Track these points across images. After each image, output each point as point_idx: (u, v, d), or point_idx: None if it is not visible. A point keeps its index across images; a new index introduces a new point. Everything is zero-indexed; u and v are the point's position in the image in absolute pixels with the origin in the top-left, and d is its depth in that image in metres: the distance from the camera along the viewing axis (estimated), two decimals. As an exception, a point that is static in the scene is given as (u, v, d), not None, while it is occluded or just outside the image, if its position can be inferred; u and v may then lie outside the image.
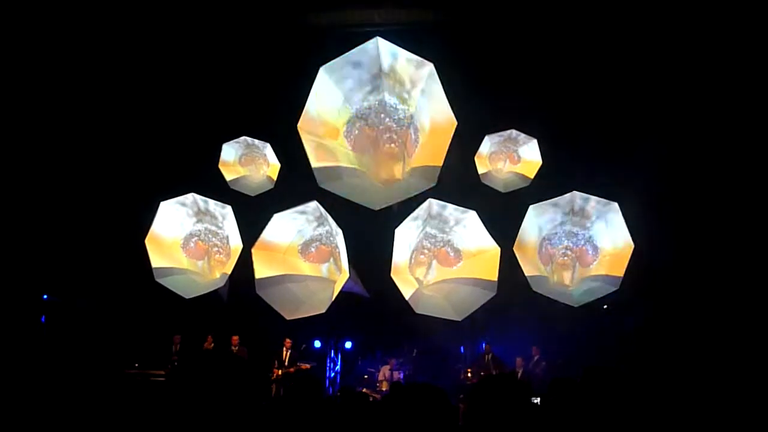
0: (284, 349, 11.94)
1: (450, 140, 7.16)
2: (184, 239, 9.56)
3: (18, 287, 10.69)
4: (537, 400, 4.52)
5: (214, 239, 9.69)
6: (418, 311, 9.03)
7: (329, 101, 7.22)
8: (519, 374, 11.81)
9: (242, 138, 9.79)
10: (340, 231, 8.77)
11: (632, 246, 8.66)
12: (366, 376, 13.21)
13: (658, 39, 8.80)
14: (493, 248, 8.98)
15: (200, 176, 9.85)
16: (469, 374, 12.15)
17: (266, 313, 9.34)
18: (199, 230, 9.62)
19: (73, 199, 10.70)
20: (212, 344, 11.76)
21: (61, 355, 10.49)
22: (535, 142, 9.65)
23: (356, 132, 7.25)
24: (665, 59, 8.95)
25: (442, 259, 9.34)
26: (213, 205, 9.41)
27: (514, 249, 8.91)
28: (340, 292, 9.01)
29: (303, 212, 9.09)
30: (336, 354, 13.34)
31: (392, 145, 7.36)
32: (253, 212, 9.67)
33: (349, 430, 3.21)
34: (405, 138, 7.40)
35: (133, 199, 10.31)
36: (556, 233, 9.23)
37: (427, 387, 2.69)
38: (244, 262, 9.20)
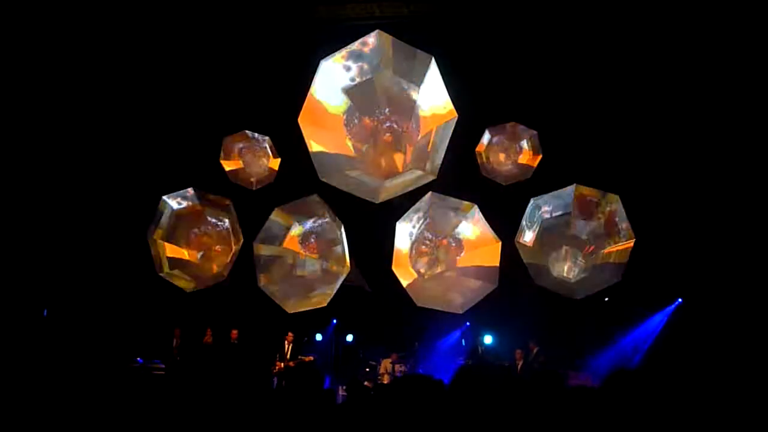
0: (286, 342, 11.99)
1: (451, 133, 7.15)
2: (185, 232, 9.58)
3: (19, 282, 10.71)
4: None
5: (215, 232, 9.70)
6: (419, 304, 9.05)
7: (329, 94, 7.20)
8: (519, 367, 11.83)
9: (243, 131, 9.79)
10: (341, 224, 8.78)
11: (634, 238, 8.65)
12: (368, 369, 13.25)
13: (660, 28, 8.78)
14: (494, 241, 8.99)
15: (200, 170, 9.85)
16: (470, 367, 12.16)
17: (267, 307, 9.37)
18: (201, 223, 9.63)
19: (74, 193, 10.71)
20: (211, 337, 11.80)
21: (63, 348, 10.52)
22: (536, 134, 9.63)
23: (356, 122, 7.22)
24: (667, 49, 8.93)
25: (444, 251, 9.34)
26: (213, 198, 9.42)
27: (516, 241, 8.91)
28: (342, 285, 9.02)
29: (304, 205, 9.10)
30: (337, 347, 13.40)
31: (392, 135, 7.34)
32: (254, 206, 9.68)
33: (351, 421, 3.22)
34: (406, 129, 7.38)
35: (133, 193, 10.32)
36: (557, 225, 9.21)
37: (425, 379, 2.70)
38: (245, 255, 9.22)
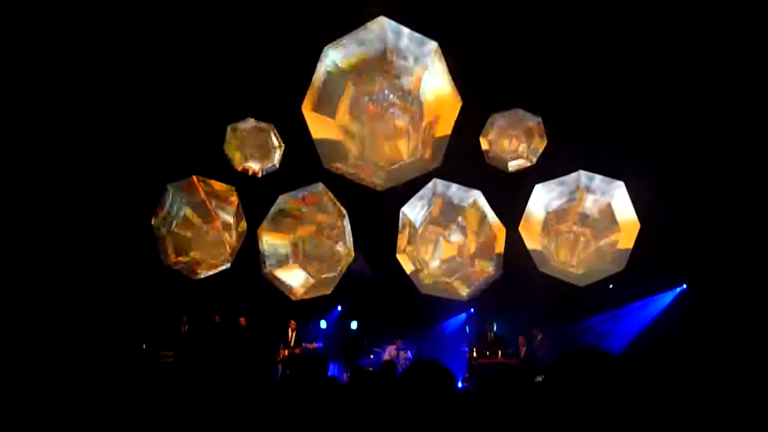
0: (290, 330, 12.03)
1: (455, 120, 7.13)
2: (190, 220, 9.61)
3: (24, 272, 10.75)
4: (540, 379, 4.55)
5: (219, 220, 9.73)
6: (423, 291, 9.07)
7: (333, 80, 7.18)
8: (522, 353, 11.89)
9: (247, 119, 9.76)
10: (345, 212, 8.79)
11: (638, 225, 8.63)
12: (372, 356, 13.31)
13: (665, 12, 8.71)
14: (498, 227, 8.99)
15: (204, 157, 9.85)
16: (475, 354, 12.22)
17: (271, 294, 9.41)
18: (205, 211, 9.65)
19: (78, 181, 10.72)
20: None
21: (69, 337, 10.57)
22: (540, 120, 9.59)
23: (360, 110, 7.21)
24: (672, 33, 8.86)
25: (448, 238, 9.36)
26: (217, 186, 9.44)
27: (520, 228, 8.90)
28: (346, 272, 9.05)
29: (308, 192, 9.11)
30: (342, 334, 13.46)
31: (397, 121, 7.33)
32: (258, 193, 9.68)
33: (357, 407, 3.24)
34: (410, 115, 7.37)
35: (138, 181, 10.33)
36: (562, 212, 9.20)
37: (432, 364, 2.70)
38: (250, 243, 9.25)
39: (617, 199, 8.83)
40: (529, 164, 9.69)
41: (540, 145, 9.58)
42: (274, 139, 9.86)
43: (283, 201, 9.14)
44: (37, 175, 10.39)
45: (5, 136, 9.70)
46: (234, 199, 9.41)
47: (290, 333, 12.00)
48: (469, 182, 9.02)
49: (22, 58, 9.21)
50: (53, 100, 9.87)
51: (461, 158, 8.91)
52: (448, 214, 9.27)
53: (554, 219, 9.15)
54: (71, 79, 9.68)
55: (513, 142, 9.91)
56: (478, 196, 8.92)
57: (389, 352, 12.99)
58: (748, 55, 8.72)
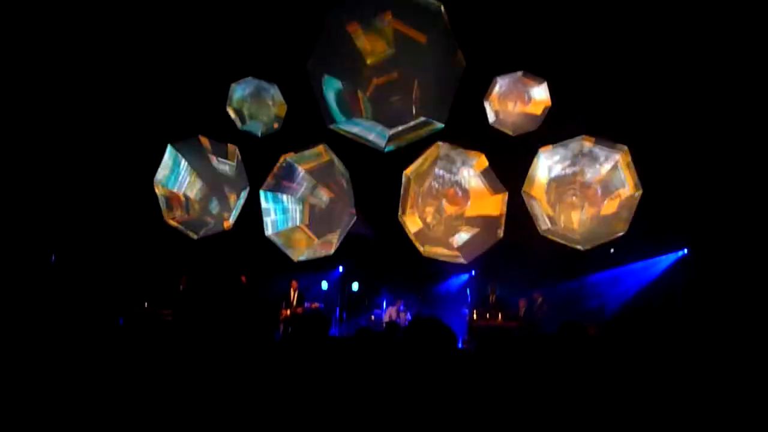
0: (291, 290, 12.11)
1: (459, 82, 7.08)
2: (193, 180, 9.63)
3: (27, 228, 10.78)
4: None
5: (221, 180, 9.73)
6: (424, 254, 9.10)
7: (338, 42, 7.12)
8: (522, 315, 12.00)
9: (249, 78, 9.68)
10: (347, 172, 8.77)
11: (641, 190, 8.62)
12: (372, 317, 13.42)
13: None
14: (500, 190, 8.99)
15: (207, 117, 9.80)
16: (475, 317, 12.30)
17: (273, 254, 9.44)
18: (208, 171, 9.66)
19: (81, 139, 10.68)
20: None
21: (69, 295, 10.65)
22: (545, 83, 9.49)
23: (365, 71, 7.17)
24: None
25: (450, 200, 9.35)
26: (220, 146, 9.42)
27: (523, 191, 8.89)
28: (348, 234, 9.07)
29: (311, 153, 9.09)
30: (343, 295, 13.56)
31: (400, 84, 7.30)
32: (261, 154, 9.66)
33: (359, 365, 3.28)
34: (414, 78, 7.33)
35: (140, 140, 10.29)
36: (564, 175, 9.18)
37: (433, 323, 2.73)
38: (252, 202, 9.26)
39: (620, 163, 8.82)
40: (532, 127, 9.63)
41: (544, 108, 9.51)
42: (276, 98, 9.79)
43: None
44: (40, 136, 10.36)
45: (9, 97, 9.66)
46: (236, 157, 9.39)
47: (292, 293, 12.08)
48: (472, 145, 8.98)
49: (23, 23, 9.12)
50: (58, 62, 9.79)
51: (465, 121, 8.86)
52: (450, 177, 9.27)
53: (557, 183, 9.15)
54: (74, 41, 9.59)
55: (517, 105, 9.83)
56: (480, 159, 8.91)
57: (390, 314, 13.09)
58: (758, 19, 8.59)
